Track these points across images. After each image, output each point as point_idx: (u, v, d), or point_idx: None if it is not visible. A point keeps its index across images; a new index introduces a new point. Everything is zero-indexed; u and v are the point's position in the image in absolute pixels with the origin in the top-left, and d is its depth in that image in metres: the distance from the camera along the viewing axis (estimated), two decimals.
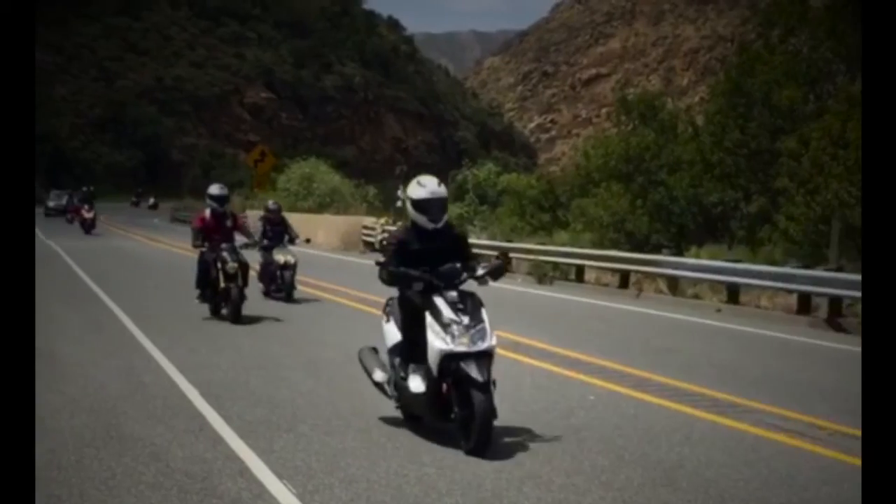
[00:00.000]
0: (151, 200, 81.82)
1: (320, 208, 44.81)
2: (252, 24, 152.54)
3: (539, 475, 6.56)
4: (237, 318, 14.01)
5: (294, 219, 42.41)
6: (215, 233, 14.69)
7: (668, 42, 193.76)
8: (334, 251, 34.41)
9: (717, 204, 31.54)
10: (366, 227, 35.47)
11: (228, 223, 14.92)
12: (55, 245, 31.35)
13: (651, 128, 35.54)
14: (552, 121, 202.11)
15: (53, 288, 17.59)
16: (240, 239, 15.30)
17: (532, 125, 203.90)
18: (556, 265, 24.38)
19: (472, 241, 29.47)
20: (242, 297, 14.33)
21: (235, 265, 14.28)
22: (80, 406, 8.32)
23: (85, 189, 52.79)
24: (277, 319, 14.69)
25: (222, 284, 14.26)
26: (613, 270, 23.39)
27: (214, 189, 15.14)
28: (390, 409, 8.08)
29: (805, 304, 17.21)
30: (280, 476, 6.35)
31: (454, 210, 36.94)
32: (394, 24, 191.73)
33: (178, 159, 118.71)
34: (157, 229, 49.73)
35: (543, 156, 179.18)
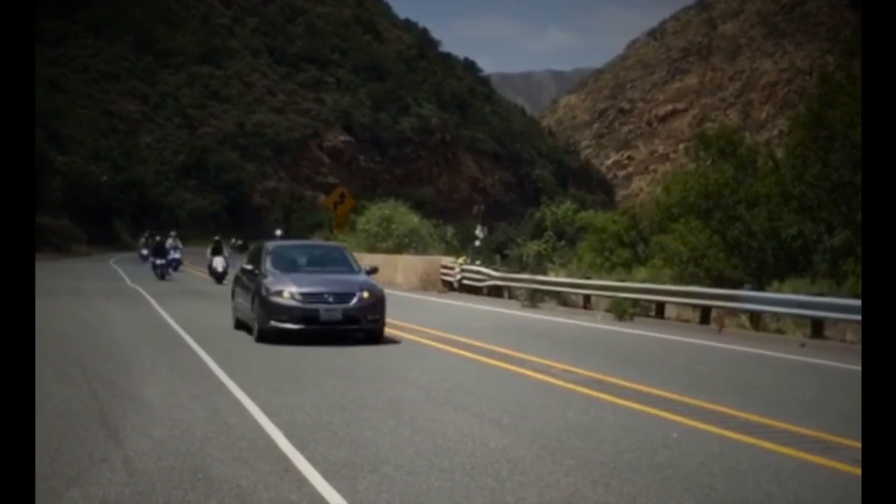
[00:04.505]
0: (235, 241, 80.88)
1: (399, 249, 45.07)
2: (331, 69, 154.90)
3: None
4: None
5: (374, 259, 43.09)
6: None
7: (745, 76, 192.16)
8: (414, 291, 34.57)
9: (797, 237, 31.06)
10: (444, 267, 35.59)
11: None
12: None
13: (730, 163, 35.20)
14: (629, 157, 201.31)
15: None
16: None
17: (609, 162, 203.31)
18: (635, 302, 24.20)
19: (551, 278, 29.45)
20: None
21: None
22: (168, 448, 8.46)
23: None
24: (358, 359, 14.80)
25: None
26: (694, 306, 23.14)
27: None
28: (473, 448, 8.12)
29: None
30: None
31: (532, 247, 36.84)
32: (470, 66, 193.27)
33: (260, 203, 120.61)
34: None
35: (621, 192, 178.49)
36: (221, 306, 22.48)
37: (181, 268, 45.77)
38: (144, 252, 54.00)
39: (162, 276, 39.91)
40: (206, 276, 40.91)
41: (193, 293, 31.66)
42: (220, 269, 37.94)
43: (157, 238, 45.56)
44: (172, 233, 49.22)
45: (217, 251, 39.65)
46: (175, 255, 44.85)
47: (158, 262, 40.97)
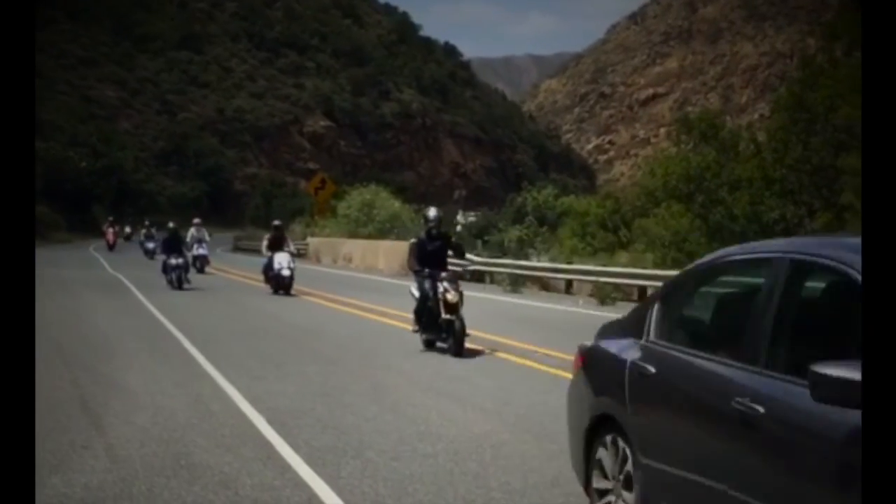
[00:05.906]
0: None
1: (381, 234, 45.03)
2: (311, 54, 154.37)
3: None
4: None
5: (356, 245, 43.03)
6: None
7: (726, 60, 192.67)
8: (395, 276, 34.50)
9: (779, 221, 31.17)
10: None
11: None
12: None
13: (712, 146, 35.28)
14: (610, 142, 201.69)
15: None
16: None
17: (590, 146, 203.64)
18: (617, 286, 24.23)
19: (533, 263, 29.57)
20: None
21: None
22: (150, 435, 8.41)
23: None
24: (340, 346, 14.78)
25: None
26: None
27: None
28: (456, 433, 8.13)
29: None
30: (348, 503, 6.37)
31: (513, 232, 36.92)
32: (450, 50, 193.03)
33: (240, 189, 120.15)
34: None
35: (602, 177, 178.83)
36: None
37: (207, 268, 34.23)
38: (150, 245, 43.57)
39: (179, 284, 26.58)
40: (254, 281, 28.90)
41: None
42: (286, 272, 24.98)
43: (171, 226, 30.83)
44: (197, 220, 35.35)
45: (277, 244, 26.08)
46: (201, 250, 33.81)
47: (174, 261, 27.13)
